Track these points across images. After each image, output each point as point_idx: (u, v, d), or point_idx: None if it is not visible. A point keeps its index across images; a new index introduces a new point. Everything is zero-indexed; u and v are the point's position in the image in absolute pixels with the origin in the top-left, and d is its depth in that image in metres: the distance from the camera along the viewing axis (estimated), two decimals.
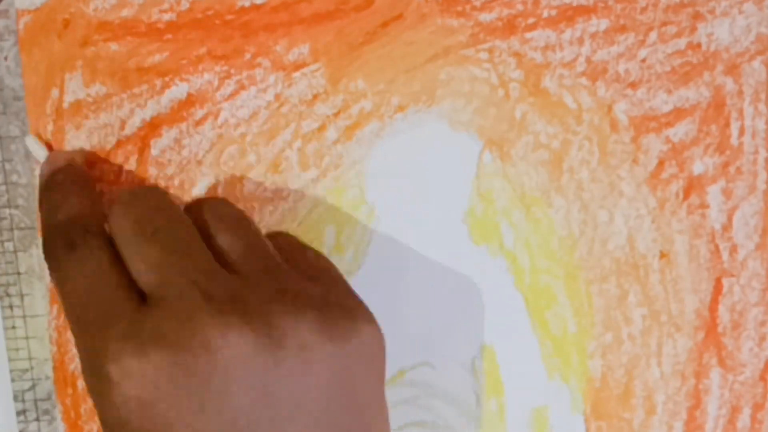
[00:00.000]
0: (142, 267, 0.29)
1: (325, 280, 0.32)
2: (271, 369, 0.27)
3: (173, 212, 0.31)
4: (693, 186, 0.36)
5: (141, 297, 0.29)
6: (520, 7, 0.35)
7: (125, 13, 0.35)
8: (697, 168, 0.36)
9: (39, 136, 0.35)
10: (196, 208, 0.32)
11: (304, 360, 0.28)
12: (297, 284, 0.30)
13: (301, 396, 0.28)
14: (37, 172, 0.35)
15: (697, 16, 0.35)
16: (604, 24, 0.35)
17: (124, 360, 0.27)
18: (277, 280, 0.30)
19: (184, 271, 0.29)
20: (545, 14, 0.35)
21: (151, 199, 0.31)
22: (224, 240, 0.31)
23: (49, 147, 0.35)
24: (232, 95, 0.35)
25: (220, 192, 0.36)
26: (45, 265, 0.36)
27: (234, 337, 0.27)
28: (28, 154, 0.36)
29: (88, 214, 0.32)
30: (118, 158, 0.36)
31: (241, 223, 0.32)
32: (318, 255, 0.34)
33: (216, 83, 0.35)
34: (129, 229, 0.30)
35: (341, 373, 0.29)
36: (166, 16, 0.35)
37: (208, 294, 0.28)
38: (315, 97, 0.35)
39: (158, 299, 0.28)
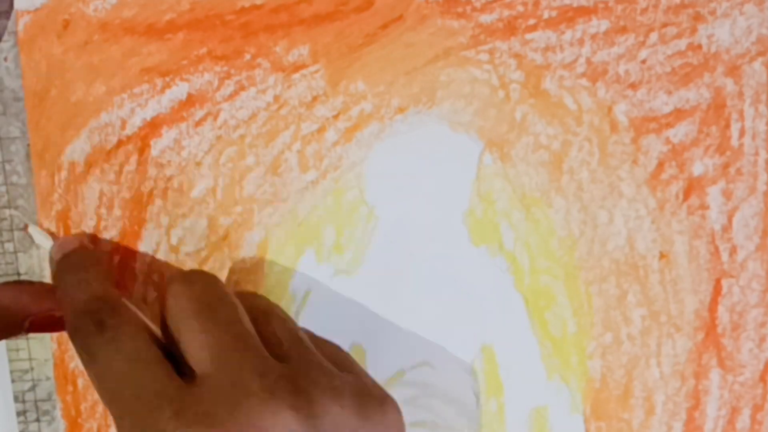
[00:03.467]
0: (197, 345, 0.30)
1: (354, 371, 0.33)
2: None
3: (228, 296, 0.32)
4: (693, 187, 0.36)
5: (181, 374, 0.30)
6: (520, 8, 0.35)
7: (125, 13, 0.35)
8: (697, 169, 0.36)
9: (40, 225, 0.36)
10: (240, 298, 0.33)
11: None
12: (333, 372, 0.31)
13: None
14: (46, 257, 0.36)
15: (697, 17, 0.35)
16: (604, 25, 0.35)
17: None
18: (316, 368, 0.31)
19: (238, 354, 0.30)
20: (546, 15, 0.35)
21: (208, 281, 0.32)
22: (270, 331, 0.32)
23: (52, 235, 0.36)
24: (231, 96, 0.35)
25: (219, 193, 0.36)
26: (45, 266, 0.36)
27: (283, 418, 0.28)
28: (28, 155, 0.36)
29: (110, 293, 0.32)
30: (118, 158, 0.36)
31: (283, 317, 0.34)
32: (340, 349, 0.35)
33: (216, 83, 0.35)
34: (187, 307, 0.31)
35: None
36: (166, 16, 0.35)
37: (261, 377, 0.29)
38: (315, 98, 0.35)
39: (209, 379, 0.29)
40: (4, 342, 0.37)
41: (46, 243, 0.36)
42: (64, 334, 0.37)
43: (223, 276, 0.37)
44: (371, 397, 0.31)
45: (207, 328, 0.30)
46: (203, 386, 0.29)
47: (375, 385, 0.32)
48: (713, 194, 0.36)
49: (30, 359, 0.37)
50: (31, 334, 0.37)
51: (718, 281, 0.37)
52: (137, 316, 0.31)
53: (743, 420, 0.38)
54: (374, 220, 0.36)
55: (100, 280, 0.33)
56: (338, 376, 0.31)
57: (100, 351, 0.30)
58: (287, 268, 0.37)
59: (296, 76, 0.35)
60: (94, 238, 0.36)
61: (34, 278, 0.37)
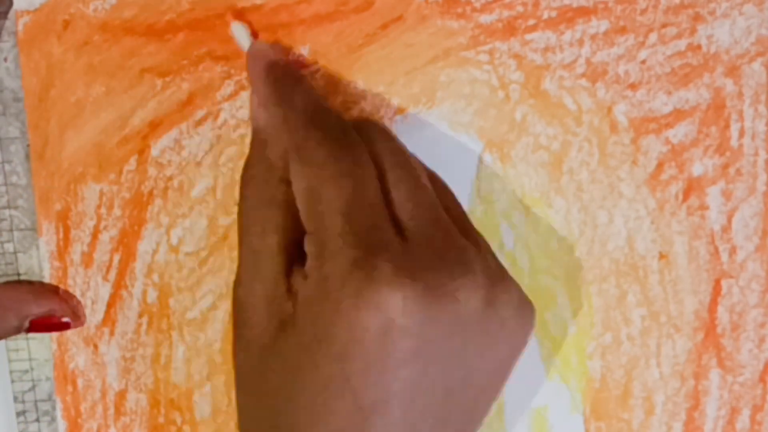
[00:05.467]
0: (410, 205, 0.30)
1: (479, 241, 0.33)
2: (480, 328, 0.29)
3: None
4: (692, 187, 0.36)
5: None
6: (520, 8, 0.35)
7: (125, 13, 0.35)
8: (697, 169, 0.36)
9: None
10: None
11: (502, 328, 0.31)
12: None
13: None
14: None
15: (697, 18, 0.35)
16: (604, 25, 0.35)
17: (391, 290, 0.28)
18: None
19: (444, 224, 0.30)
20: (545, 16, 0.35)
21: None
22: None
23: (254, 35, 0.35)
24: (231, 95, 0.35)
25: (219, 193, 0.36)
26: (45, 266, 0.36)
27: (474, 296, 0.29)
28: (28, 155, 0.36)
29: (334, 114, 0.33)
30: (118, 158, 0.36)
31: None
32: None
33: (216, 83, 0.35)
34: (403, 162, 0.31)
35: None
36: (166, 16, 0.35)
37: (463, 253, 0.30)
38: None
39: (420, 240, 0.29)
40: (4, 342, 0.37)
41: (245, 44, 0.34)
42: (64, 334, 0.37)
43: (223, 276, 0.37)
44: (527, 298, 0.32)
45: (423, 187, 0.31)
46: (413, 243, 0.29)
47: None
48: (713, 194, 0.36)
49: (30, 359, 0.37)
50: (31, 334, 0.37)
51: (717, 281, 0.37)
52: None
53: (743, 420, 0.38)
54: None
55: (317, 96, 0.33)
56: (505, 270, 0.32)
57: (337, 154, 0.30)
58: None
59: None
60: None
61: (34, 278, 0.37)
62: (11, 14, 0.35)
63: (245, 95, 0.35)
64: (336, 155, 0.30)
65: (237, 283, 0.31)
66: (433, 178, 0.34)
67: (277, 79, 0.33)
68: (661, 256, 0.37)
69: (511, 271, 0.36)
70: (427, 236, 0.30)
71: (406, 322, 0.28)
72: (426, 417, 0.29)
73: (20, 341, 0.37)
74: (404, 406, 0.29)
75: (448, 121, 0.36)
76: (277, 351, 0.30)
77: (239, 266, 0.32)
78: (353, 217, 0.29)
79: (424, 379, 0.29)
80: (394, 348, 0.28)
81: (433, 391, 0.29)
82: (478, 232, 0.33)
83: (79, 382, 0.37)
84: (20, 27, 0.35)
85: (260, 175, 0.32)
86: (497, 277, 0.30)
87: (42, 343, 0.37)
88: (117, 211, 0.36)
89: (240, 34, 0.34)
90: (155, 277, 0.37)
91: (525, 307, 0.31)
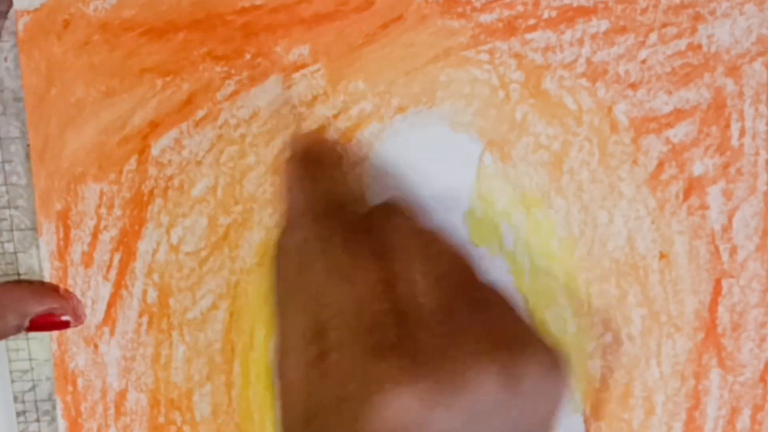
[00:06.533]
0: (425, 285, 0.30)
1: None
2: (504, 406, 0.28)
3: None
4: (693, 187, 0.36)
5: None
6: (520, 8, 0.35)
7: (125, 13, 0.35)
8: (698, 169, 0.36)
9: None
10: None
11: (531, 396, 0.29)
12: (525, 326, 0.31)
13: None
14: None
15: (697, 18, 0.35)
16: (604, 25, 0.35)
17: (395, 390, 0.27)
18: (513, 324, 0.30)
19: (454, 303, 0.29)
20: (545, 15, 0.35)
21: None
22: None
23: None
24: (232, 95, 0.35)
25: (219, 193, 0.36)
26: (45, 266, 0.36)
27: (490, 375, 0.28)
28: (28, 155, 0.36)
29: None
30: (118, 158, 0.36)
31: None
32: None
33: (216, 83, 0.35)
34: (417, 243, 0.31)
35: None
36: (166, 16, 0.35)
37: (474, 330, 0.29)
38: (315, 98, 0.35)
39: (427, 325, 0.29)
40: (4, 342, 0.37)
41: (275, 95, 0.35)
42: (64, 334, 0.37)
43: (223, 276, 0.37)
44: (555, 354, 0.30)
45: (431, 269, 0.30)
46: (419, 329, 0.28)
47: (545, 339, 0.31)
48: (713, 194, 0.36)
49: (30, 359, 0.37)
50: (31, 334, 0.37)
51: (718, 281, 0.37)
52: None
53: (743, 420, 0.38)
54: None
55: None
56: (526, 326, 0.30)
57: (353, 251, 0.30)
58: None
59: (296, 75, 0.35)
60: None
61: (34, 278, 0.37)
62: (11, 14, 0.35)
63: (245, 95, 0.35)
64: (335, 264, 0.30)
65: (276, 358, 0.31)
66: (449, 250, 0.33)
67: (290, 176, 0.34)
68: (662, 255, 0.37)
69: (512, 271, 0.36)
70: (436, 321, 0.29)
71: (418, 422, 0.27)
72: None
73: (20, 341, 0.37)
74: None
75: (448, 121, 0.36)
76: None
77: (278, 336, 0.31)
78: (353, 323, 0.29)
79: None
80: None
81: None
82: (489, 294, 0.32)
83: (80, 381, 0.37)
84: (20, 27, 0.34)
85: (289, 257, 0.31)
86: (515, 348, 0.29)
87: (42, 343, 0.37)
88: (117, 211, 0.36)
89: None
90: (155, 276, 0.37)
91: (551, 370, 0.29)
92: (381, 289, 0.29)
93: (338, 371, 0.28)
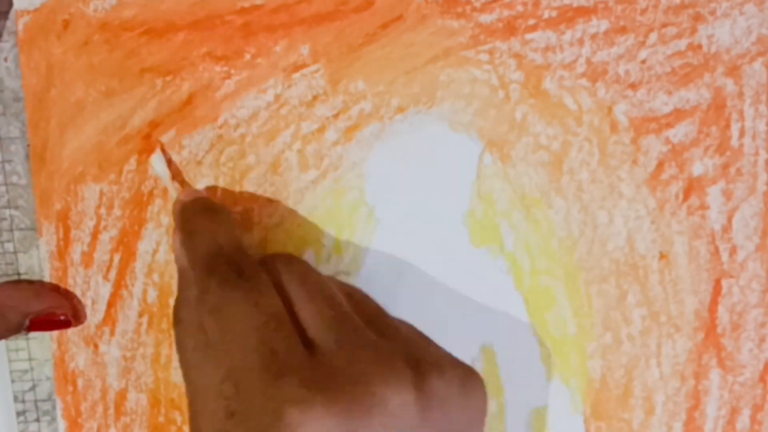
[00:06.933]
0: (318, 321, 0.30)
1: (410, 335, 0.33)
2: (419, 422, 0.28)
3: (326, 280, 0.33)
4: (693, 187, 0.36)
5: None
6: (520, 8, 0.35)
7: (125, 13, 0.35)
8: (697, 169, 0.36)
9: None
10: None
11: (446, 411, 0.29)
12: (430, 345, 0.32)
13: None
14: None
15: (697, 18, 0.35)
16: (604, 25, 0.35)
17: (305, 406, 0.27)
18: (417, 344, 0.31)
19: (356, 332, 0.30)
20: (545, 15, 0.35)
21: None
22: (361, 309, 0.33)
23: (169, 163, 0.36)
24: (231, 95, 0.35)
25: (219, 193, 0.36)
26: (45, 266, 0.36)
27: (400, 392, 0.28)
28: (28, 155, 0.36)
29: (244, 246, 0.33)
30: (118, 158, 0.36)
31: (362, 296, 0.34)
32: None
33: (216, 83, 0.35)
34: (310, 284, 0.31)
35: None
36: (166, 16, 0.35)
37: (379, 352, 0.29)
38: (315, 98, 0.35)
39: (332, 353, 0.29)
40: (4, 342, 0.37)
41: (166, 178, 0.35)
42: (64, 334, 0.37)
43: None
44: (465, 369, 0.30)
45: (327, 307, 0.31)
46: (327, 359, 0.29)
47: (457, 359, 0.32)
48: (713, 194, 0.36)
49: (30, 359, 0.37)
50: (31, 334, 0.37)
51: (718, 281, 0.37)
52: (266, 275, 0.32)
53: (743, 420, 0.38)
54: (374, 221, 0.36)
55: (235, 231, 0.33)
56: (436, 348, 0.31)
57: (234, 298, 0.30)
58: None
59: (296, 75, 0.35)
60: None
61: (34, 278, 0.37)
62: (11, 14, 0.35)
63: (245, 95, 0.35)
64: (234, 296, 0.30)
65: (190, 419, 0.31)
66: (350, 290, 0.34)
67: (186, 221, 0.34)
68: (662, 256, 0.37)
69: (511, 272, 0.36)
70: (339, 346, 0.29)
71: None
72: None
73: (20, 341, 0.37)
74: None
75: (448, 121, 0.36)
76: None
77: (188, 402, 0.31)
78: (259, 349, 0.29)
79: None
80: None
81: None
82: (396, 324, 0.32)
83: (79, 381, 0.37)
84: (20, 27, 0.35)
85: (187, 318, 0.32)
86: (425, 362, 0.29)
87: (42, 343, 0.37)
88: (117, 211, 0.36)
89: (159, 167, 0.35)
90: (155, 276, 0.37)
91: (464, 384, 0.30)
92: (284, 315, 0.30)
93: (248, 403, 0.28)
